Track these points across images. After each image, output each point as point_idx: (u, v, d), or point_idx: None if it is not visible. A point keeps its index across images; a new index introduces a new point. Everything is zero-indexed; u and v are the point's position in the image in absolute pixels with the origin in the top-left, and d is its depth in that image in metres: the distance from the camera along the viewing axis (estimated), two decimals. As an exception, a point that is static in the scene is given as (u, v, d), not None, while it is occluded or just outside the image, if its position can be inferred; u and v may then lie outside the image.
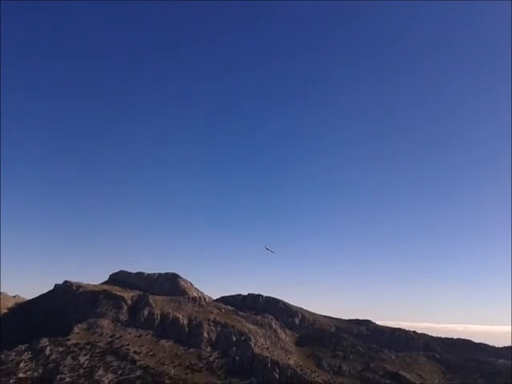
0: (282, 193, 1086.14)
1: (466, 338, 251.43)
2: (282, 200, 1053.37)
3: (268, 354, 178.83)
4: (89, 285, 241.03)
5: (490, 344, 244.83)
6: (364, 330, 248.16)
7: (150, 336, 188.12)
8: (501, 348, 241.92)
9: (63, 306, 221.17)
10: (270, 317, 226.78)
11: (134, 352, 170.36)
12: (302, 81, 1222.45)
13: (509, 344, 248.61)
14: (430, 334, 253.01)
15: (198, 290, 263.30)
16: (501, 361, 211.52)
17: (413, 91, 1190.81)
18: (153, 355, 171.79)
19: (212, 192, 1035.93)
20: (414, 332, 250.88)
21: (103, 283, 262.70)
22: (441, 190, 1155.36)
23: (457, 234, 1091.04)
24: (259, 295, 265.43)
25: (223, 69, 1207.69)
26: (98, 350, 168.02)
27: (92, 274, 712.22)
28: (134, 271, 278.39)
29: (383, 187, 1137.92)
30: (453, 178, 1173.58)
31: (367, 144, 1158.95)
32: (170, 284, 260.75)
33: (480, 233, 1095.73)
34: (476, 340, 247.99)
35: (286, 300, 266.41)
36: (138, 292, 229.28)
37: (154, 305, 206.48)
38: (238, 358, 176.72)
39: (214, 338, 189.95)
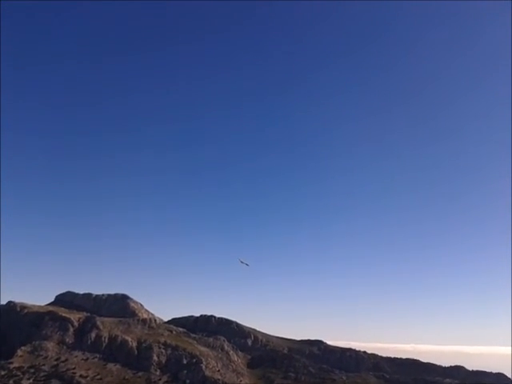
0: (235, 209, 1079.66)
1: (415, 357, 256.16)
2: (236, 219, 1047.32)
3: (219, 377, 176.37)
4: (34, 306, 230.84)
5: (438, 363, 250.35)
6: (316, 351, 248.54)
7: (97, 359, 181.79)
8: (447, 367, 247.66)
9: (6, 328, 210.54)
10: (223, 338, 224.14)
11: (80, 376, 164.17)
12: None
13: (455, 363, 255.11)
14: (379, 354, 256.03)
15: (149, 312, 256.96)
16: (447, 380, 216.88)
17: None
18: (100, 379, 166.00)
19: (162, 207, 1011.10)
20: (365, 352, 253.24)
21: (49, 304, 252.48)
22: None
23: (402, 257, 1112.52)
24: (212, 316, 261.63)
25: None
26: (42, 374, 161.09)
27: (37, 295, 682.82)
28: (81, 292, 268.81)
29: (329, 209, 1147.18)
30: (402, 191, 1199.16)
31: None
32: (119, 305, 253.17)
33: (424, 258, 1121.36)
34: (424, 360, 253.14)
35: (239, 321, 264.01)
36: (85, 314, 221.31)
37: (101, 327, 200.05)
38: (188, 381, 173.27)
39: (163, 361, 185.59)
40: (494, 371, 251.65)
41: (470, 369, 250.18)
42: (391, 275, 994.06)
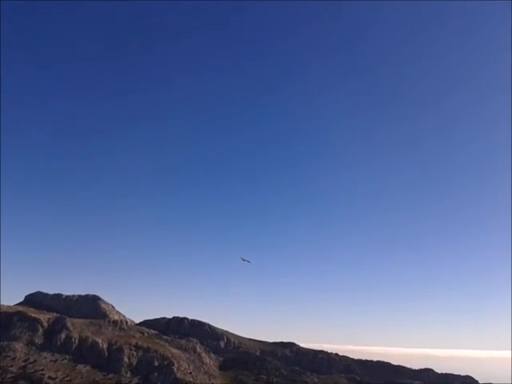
0: (209, 211, 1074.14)
1: (386, 360, 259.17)
2: (206, 219, 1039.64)
3: (191, 379, 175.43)
4: (3, 306, 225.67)
5: (408, 366, 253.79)
6: (288, 353, 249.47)
7: (66, 361, 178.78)
8: (417, 370, 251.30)
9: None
10: (195, 340, 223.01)
11: (49, 377, 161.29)
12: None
13: (425, 366, 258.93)
14: (351, 357, 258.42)
15: (120, 314, 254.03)
16: (417, 382, 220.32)
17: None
18: (69, 381, 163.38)
19: (132, 208, 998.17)
20: (336, 354, 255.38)
21: (18, 304, 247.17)
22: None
23: (373, 261, 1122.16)
24: (184, 318, 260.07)
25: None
26: (9, 376, 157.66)
27: (6, 295, 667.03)
28: (51, 292, 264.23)
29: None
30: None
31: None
32: (90, 306, 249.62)
33: (395, 261, 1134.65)
34: (394, 362, 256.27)
35: (211, 323, 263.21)
36: (55, 314, 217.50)
37: (71, 328, 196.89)
38: (159, 383, 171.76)
39: (134, 363, 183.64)
40: (461, 374, 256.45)
41: (439, 371, 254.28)
42: (362, 278, 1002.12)
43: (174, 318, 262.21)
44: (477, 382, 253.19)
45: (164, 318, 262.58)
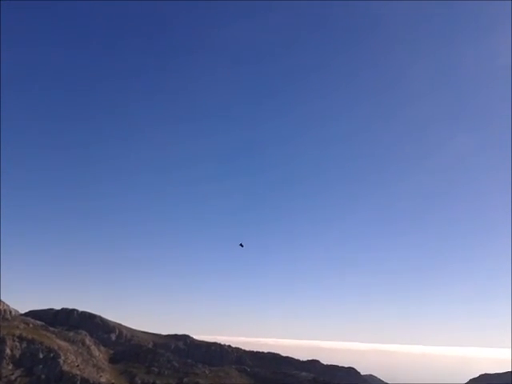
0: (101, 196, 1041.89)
1: (276, 351, 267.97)
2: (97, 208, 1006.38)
3: (78, 372, 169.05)
4: None
5: (296, 357, 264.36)
6: (181, 345, 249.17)
7: None
8: (304, 361, 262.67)
9: None
10: (84, 333, 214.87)
11: None
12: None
13: (312, 357, 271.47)
14: (243, 348, 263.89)
15: (4, 303, 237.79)
16: (303, 373, 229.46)
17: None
18: None
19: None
20: (229, 346, 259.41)
21: None
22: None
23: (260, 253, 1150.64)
24: (74, 310, 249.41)
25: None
26: None
27: None
28: None
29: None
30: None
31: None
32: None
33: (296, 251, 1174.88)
34: (284, 354, 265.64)
35: (104, 315, 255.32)
36: None
37: None
38: (43, 376, 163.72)
39: (17, 355, 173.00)
40: (345, 365, 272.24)
41: (325, 363, 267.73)
42: (255, 271, 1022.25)
43: (62, 309, 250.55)
44: (359, 373, 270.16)
45: (51, 310, 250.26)
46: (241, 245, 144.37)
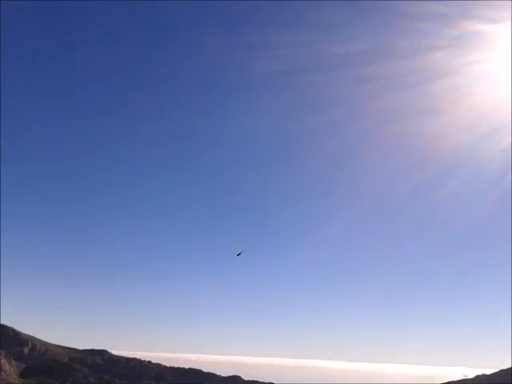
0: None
1: (198, 367, 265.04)
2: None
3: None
4: None
5: (218, 373, 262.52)
6: (99, 360, 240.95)
7: None
8: (226, 377, 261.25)
9: None
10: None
11: None
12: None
13: (234, 373, 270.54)
14: (163, 364, 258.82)
15: None
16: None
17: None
18: None
19: None
20: (149, 362, 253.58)
21: None
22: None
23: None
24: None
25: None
26: None
27: None
28: None
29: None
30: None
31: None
32: None
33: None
34: (206, 369, 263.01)
35: (16, 327, 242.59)
36: None
37: None
38: None
39: None
40: (266, 381, 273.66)
41: (246, 378, 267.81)
42: (178, 284, 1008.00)
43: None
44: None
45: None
46: (239, 254, 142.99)
